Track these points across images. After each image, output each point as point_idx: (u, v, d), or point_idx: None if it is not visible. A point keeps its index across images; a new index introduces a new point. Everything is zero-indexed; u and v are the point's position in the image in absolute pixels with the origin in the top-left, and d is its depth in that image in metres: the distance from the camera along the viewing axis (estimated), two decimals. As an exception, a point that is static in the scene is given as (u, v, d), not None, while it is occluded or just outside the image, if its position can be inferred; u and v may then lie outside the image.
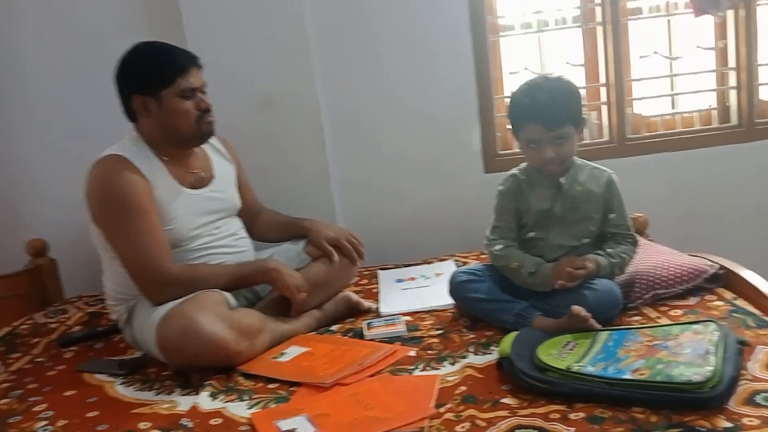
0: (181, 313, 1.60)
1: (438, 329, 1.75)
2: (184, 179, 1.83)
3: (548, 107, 1.65)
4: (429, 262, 2.34)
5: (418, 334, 1.73)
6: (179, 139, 1.81)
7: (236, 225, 1.97)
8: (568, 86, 1.70)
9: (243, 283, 1.78)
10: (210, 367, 1.59)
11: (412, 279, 2.18)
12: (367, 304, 1.97)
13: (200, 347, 1.56)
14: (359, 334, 1.78)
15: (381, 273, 2.27)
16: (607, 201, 1.73)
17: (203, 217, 1.84)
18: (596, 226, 1.74)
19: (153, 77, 1.74)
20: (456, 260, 2.31)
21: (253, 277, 1.80)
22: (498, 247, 1.78)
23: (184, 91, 1.75)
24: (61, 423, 1.44)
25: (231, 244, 1.90)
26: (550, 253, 1.74)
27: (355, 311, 1.95)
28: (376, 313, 1.92)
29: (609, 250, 1.71)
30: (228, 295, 1.72)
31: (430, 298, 1.97)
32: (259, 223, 2.09)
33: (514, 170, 1.81)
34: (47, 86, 2.47)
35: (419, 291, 2.06)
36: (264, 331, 1.72)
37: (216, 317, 1.60)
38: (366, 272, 2.30)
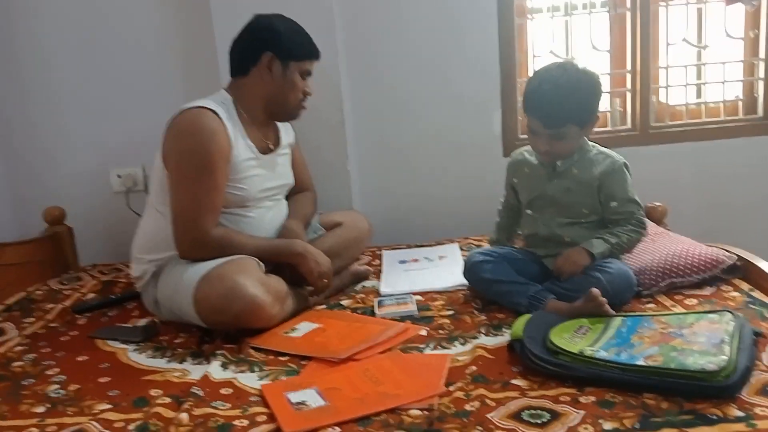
0: (223, 274, 1.64)
1: (449, 310, 1.74)
2: (258, 144, 1.88)
3: (549, 105, 1.64)
4: (442, 244, 2.34)
5: (429, 314, 1.73)
6: (279, 108, 1.89)
7: (282, 204, 2.00)
8: (580, 82, 1.65)
9: (269, 258, 1.78)
10: (245, 328, 1.63)
11: (416, 261, 2.18)
12: (363, 268, 2.09)
13: (242, 308, 1.60)
14: (369, 312, 1.78)
15: (385, 253, 2.27)
16: (607, 187, 1.70)
17: (269, 182, 1.91)
18: (590, 209, 1.73)
19: (294, 47, 1.84)
20: (469, 244, 2.29)
21: (280, 256, 1.82)
22: (497, 219, 1.94)
23: (305, 72, 1.87)
24: (73, 387, 1.45)
25: (271, 219, 1.92)
26: (546, 230, 1.76)
27: (361, 278, 2.04)
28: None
29: (608, 232, 1.70)
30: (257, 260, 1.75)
31: (432, 281, 1.96)
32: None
33: (525, 147, 1.83)
34: (67, 63, 2.48)
35: (421, 273, 2.06)
36: (289, 296, 1.76)
37: (256, 280, 1.65)
38: (370, 252, 2.30)
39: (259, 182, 1.87)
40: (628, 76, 2.55)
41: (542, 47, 2.54)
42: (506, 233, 1.94)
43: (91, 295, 2.09)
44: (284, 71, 1.84)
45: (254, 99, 1.86)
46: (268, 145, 1.92)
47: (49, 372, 1.54)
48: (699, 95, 2.63)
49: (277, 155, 1.96)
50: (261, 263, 1.74)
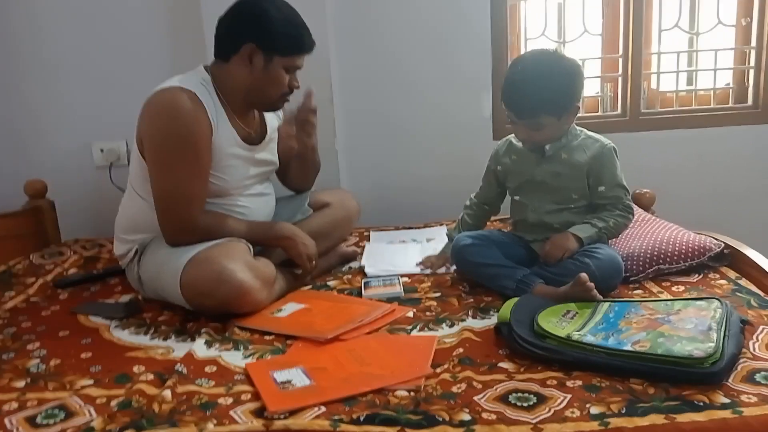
0: (211, 258, 1.59)
1: (436, 292, 1.74)
2: (240, 133, 1.77)
3: (519, 97, 1.64)
4: (430, 226, 2.33)
5: (415, 295, 1.72)
6: (256, 101, 1.77)
7: (269, 187, 1.95)
8: (554, 73, 1.62)
9: (256, 243, 1.75)
10: (232, 313, 1.60)
11: (403, 242, 2.17)
12: (350, 249, 2.08)
13: (229, 293, 1.56)
14: (356, 293, 1.77)
15: (372, 234, 2.26)
16: (595, 172, 1.70)
17: (251, 178, 1.83)
18: (579, 194, 1.72)
19: (282, 40, 1.68)
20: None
21: (268, 240, 1.79)
22: (462, 213, 1.95)
23: (291, 68, 1.73)
24: (54, 362, 1.43)
25: (259, 206, 1.87)
26: (534, 216, 1.76)
27: (348, 259, 2.04)
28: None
29: (595, 217, 1.70)
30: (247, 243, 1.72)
31: (416, 261, 1.95)
32: (290, 175, 2.05)
33: (512, 134, 1.81)
34: (57, 33, 2.43)
35: (405, 254, 2.04)
36: (277, 280, 1.74)
37: (244, 265, 1.61)
38: (358, 233, 2.29)
39: (241, 172, 1.78)
40: (620, 61, 2.54)
41: (535, 30, 2.52)
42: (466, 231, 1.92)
43: (72, 270, 2.06)
44: (266, 65, 1.69)
45: (233, 87, 1.72)
46: (250, 133, 1.81)
47: (30, 347, 1.52)
48: (690, 82, 2.63)
49: (261, 148, 1.84)
50: (250, 246, 1.71)
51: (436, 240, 2.15)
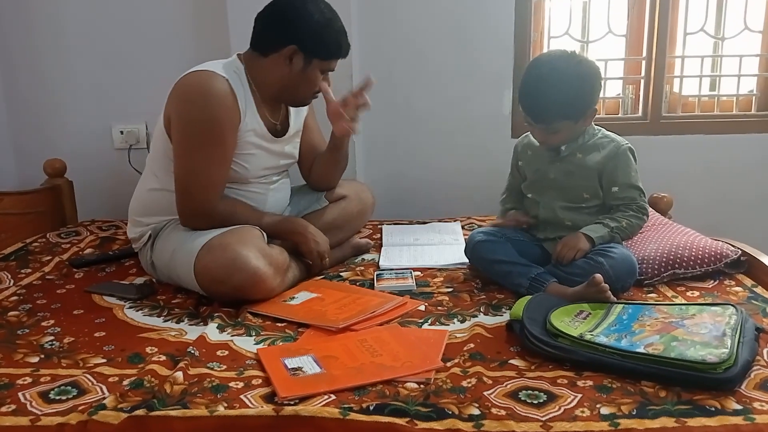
0: (225, 245, 1.60)
1: (448, 287, 1.73)
2: (266, 124, 1.79)
3: (535, 103, 1.63)
4: (444, 221, 2.32)
5: (428, 290, 1.72)
6: (288, 97, 1.80)
7: (285, 180, 1.96)
8: (571, 78, 1.60)
9: (269, 234, 1.75)
10: (245, 300, 1.60)
11: (416, 238, 2.16)
12: (363, 240, 2.06)
13: (244, 280, 1.57)
14: (368, 285, 1.77)
15: (385, 228, 2.25)
16: (608, 172, 1.68)
17: (270, 169, 1.84)
18: (590, 194, 1.71)
19: (323, 45, 1.71)
20: (471, 223, 2.29)
21: (281, 233, 1.79)
22: (501, 200, 1.92)
23: (326, 71, 1.76)
24: (68, 339, 1.45)
25: (274, 195, 1.88)
26: (545, 214, 1.75)
27: (362, 251, 2.03)
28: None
29: (608, 217, 1.68)
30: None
31: (433, 257, 1.96)
32: (316, 170, 2.02)
33: None
34: (79, 14, 2.44)
35: (422, 249, 2.04)
36: (290, 268, 1.74)
37: (258, 252, 1.61)
38: (371, 226, 2.29)
39: (261, 162, 1.80)
40: (643, 64, 2.51)
41: (559, 28, 2.51)
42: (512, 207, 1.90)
43: (88, 250, 2.07)
44: (305, 67, 1.71)
45: (267, 81, 1.75)
46: (276, 125, 1.83)
47: (44, 323, 1.54)
48: (713, 88, 2.60)
49: (285, 141, 1.86)
50: (263, 232, 1.71)
51: (449, 236, 2.14)
